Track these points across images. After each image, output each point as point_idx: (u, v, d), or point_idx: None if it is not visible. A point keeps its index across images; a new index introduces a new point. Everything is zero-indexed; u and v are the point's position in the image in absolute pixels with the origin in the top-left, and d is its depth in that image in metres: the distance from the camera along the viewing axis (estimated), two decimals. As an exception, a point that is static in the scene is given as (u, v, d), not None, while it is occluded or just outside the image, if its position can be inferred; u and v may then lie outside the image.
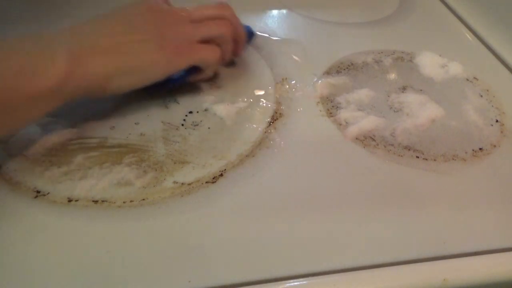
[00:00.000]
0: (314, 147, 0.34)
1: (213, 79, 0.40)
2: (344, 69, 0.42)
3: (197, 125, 0.35)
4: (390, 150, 0.34)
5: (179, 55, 0.33)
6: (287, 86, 0.40)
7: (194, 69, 0.36)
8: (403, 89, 0.40)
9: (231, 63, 0.41)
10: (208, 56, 0.35)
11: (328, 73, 0.42)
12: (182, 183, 0.30)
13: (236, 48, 0.38)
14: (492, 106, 0.40)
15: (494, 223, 0.30)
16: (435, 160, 0.34)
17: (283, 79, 0.41)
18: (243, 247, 0.27)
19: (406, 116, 0.37)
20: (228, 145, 0.33)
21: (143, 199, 0.29)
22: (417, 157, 0.34)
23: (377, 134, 0.35)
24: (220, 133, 0.34)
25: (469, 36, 0.51)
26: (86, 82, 0.29)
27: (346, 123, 0.36)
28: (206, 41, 0.35)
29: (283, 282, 0.25)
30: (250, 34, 0.42)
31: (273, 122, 0.36)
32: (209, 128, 0.35)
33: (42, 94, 0.27)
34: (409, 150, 0.34)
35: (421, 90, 0.40)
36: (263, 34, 0.47)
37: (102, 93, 0.31)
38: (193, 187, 0.30)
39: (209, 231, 0.28)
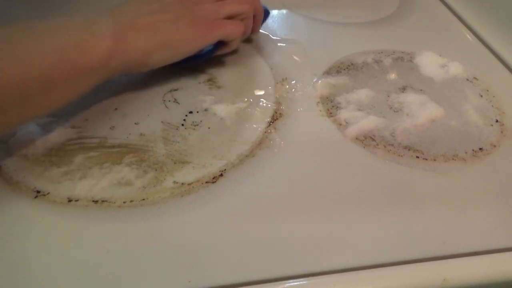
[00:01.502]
0: (314, 147, 0.34)
1: (213, 79, 0.40)
2: (344, 69, 0.42)
3: (197, 125, 0.35)
4: (390, 150, 0.34)
5: (208, 31, 0.36)
6: (287, 86, 0.40)
7: (220, 44, 0.39)
8: (403, 89, 0.40)
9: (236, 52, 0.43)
10: (233, 31, 0.38)
11: (328, 73, 0.42)
12: (182, 183, 0.30)
13: (255, 24, 0.42)
14: (492, 106, 0.40)
15: (494, 223, 0.30)
16: (435, 160, 0.34)
17: (283, 79, 0.41)
18: (243, 247, 0.27)
19: (406, 116, 0.37)
20: (228, 145, 0.33)
21: (143, 199, 0.29)
22: (417, 157, 0.34)
23: (377, 134, 0.35)
24: (220, 133, 0.34)
25: (469, 36, 0.51)
26: (129, 57, 0.32)
27: (346, 123, 0.36)
28: (230, 17, 0.38)
29: (283, 282, 0.25)
30: (266, 12, 0.44)
31: (273, 122, 0.36)
32: (209, 128, 0.35)
33: (92, 68, 0.30)
34: (409, 150, 0.34)
35: (421, 90, 0.40)
36: (264, 33, 0.47)
37: (143, 68, 0.34)
38: (193, 187, 0.30)
39: (209, 231, 0.28)
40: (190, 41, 0.35)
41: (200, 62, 0.40)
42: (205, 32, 0.36)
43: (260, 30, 0.47)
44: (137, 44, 0.32)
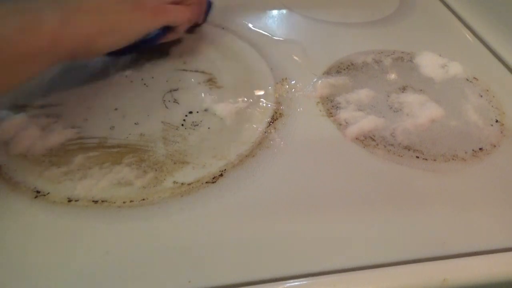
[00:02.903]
0: (314, 147, 0.34)
1: (213, 79, 0.40)
2: (344, 69, 0.42)
3: (197, 125, 0.35)
4: (390, 150, 0.34)
5: (154, 15, 0.36)
6: (287, 86, 0.40)
7: (166, 30, 0.39)
8: (403, 89, 0.40)
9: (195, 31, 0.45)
10: (179, 16, 0.38)
11: (328, 73, 0.42)
12: (182, 183, 0.30)
13: (199, 12, 0.43)
14: (492, 106, 0.39)
15: (494, 223, 0.30)
16: (435, 160, 0.34)
17: (283, 79, 0.41)
18: (243, 247, 0.27)
19: (406, 116, 0.37)
20: (228, 145, 0.33)
21: (143, 199, 0.29)
22: (417, 157, 0.34)
23: (377, 134, 0.35)
24: (220, 133, 0.34)
25: (469, 36, 0.51)
26: (75, 42, 0.31)
27: (346, 123, 0.36)
28: (175, 3, 0.38)
29: (283, 282, 0.25)
30: (209, 3, 0.45)
31: (273, 122, 0.36)
32: (209, 128, 0.35)
33: (36, 52, 0.29)
34: (409, 150, 0.34)
35: (421, 90, 0.40)
36: (264, 33, 0.47)
37: (89, 54, 0.34)
38: (193, 187, 0.30)
39: (209, 231, 0.28)
40: (135, 24, 0.35)
41: (147, 48, 0.40)
42: (151, 16, 0.36)
43: (260, 30, 0.47)
44: (82, 28, 0.32)
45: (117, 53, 0.37)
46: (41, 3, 0.31)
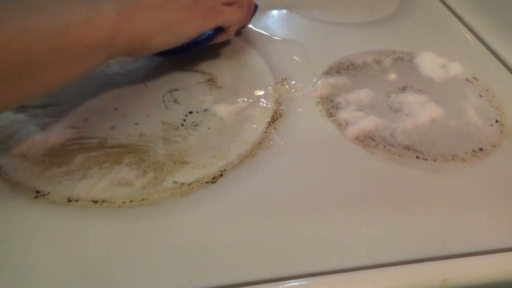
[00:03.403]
0: (314, 147, 0.34)
1: (213, 79, 0.40)
2: (344, 69, 0.42)
3: (197, 125, 0.35)
4: (390, 150, 0.34)
5: (209, 15, 0.37)
6: (287, 86, 0.40)
7: (218, 31, 0.39)
8: (403, 89, 0.40)
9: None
10: (232, 17, 0.39)
11: (328, 73, 0.42)
12: (182, 183, 0.30)
13: (247, 15, 0.43)
14: (492, 106, 0.40)
15: (494, 223, 0.30)
16: (435, 160, 0.34)
17: (283, 79, 0.41)
18: (243, 247, 0.27)
19: (406, 116, 0.37)
20: (228, 145, 0.33)
21: (143, 199, 0.29)
22: (417, 157, 0.34)
23: (377, 134, 0.35)
24: (220, 133, 0.34)
25: (469, 36, 0.51)
26: (133, 36, 0.32)
27: (346, 123, 0.36)
28: (227, 4, 0.39)
29: (283, 282, 0.25)
30: (256, 6, 0.45)
31: (273, 122, 0.36)
32: (209, 128, 0.35)
33: (96, 45, 0.30)
34: (409, 150, 0.34)
35: (421, 90, 0.40)
36: (264, 33, 0.47)
37: (145, 50, 0.34)
38: (193, 187, 0.30)
39: (209, 231, 0.28)
40: (192, 23, 0.35)
41: (199, 49, 0.40)
42: (207, 16, 0.36)
43: (260, 30, 0.47)
44: (140, 23, 0.32)
45: (168, 53, 0.37)
46: None
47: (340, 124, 0.36)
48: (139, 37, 0.32)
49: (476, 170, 0.33)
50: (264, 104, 0.37)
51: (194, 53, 0.41)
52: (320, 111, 0.37)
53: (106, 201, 0.29)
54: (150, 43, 0.33)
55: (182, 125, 0.35)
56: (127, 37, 0.31)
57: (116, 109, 0.35)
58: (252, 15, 0.45)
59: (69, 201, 0.28)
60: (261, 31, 0.47)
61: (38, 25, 0.27)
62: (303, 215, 0.29)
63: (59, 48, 0.28)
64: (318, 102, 0.38)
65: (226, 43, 0.43)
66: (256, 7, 0.45)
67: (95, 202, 0.29)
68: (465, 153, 0.34)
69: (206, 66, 0.41)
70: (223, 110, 0.36)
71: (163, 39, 0.34)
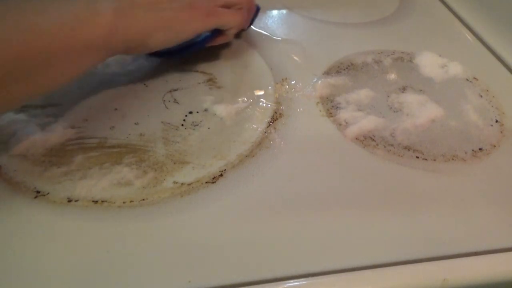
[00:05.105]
0: (314, 147, 0.34)
1: (213, 79, 0.40)
2: (344, 69, 0.42)
3: (197, 125, 0.35)
4: (390, 150, 0.34)
5: (207, 16, 0.36)
6: (287, 86, 0.40)
7: (215, 33, 0.39)
8: (403, 89, 0.40)
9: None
10: (231, 19, 0.39)
11: (328, 73, 0.42)
12: (182, 183, 0.30)
13: (247, 18, 0.42)
14: (492, 106, 0.40)
15: (494, 223, 0.30)
16: (435, 160, 0.34)
17: (283, 79, 0.41)
18: (243, 247, 0.27)
19: (406, 116, 0.37)
20: (228, 145, 0.33)
21: (143, 199, 0.29)
22: (417, 157, 0.34)
23: (377, 134, 0.35)
24: (220, 133, 0.34)
25: (469, 36, 0.51)
26: (130, 34, 0.32)
27: (346, 123, 0.36)
28: (226, 7, 0.39)
29: (283, 282, 0.25)
30: (257, 8, 0.45)
31: (273, 122, 0.36)
32: (209, 128, 0.35)
33: (93, 44, 0.30)
34: (409, 150, 0.34)
35: (421, 90, 0.40)
36: (264, 33, 0.47)
37: (142, 49, 0.34)
38: (193, 187, 0.30)
39: (209, 231, 0.28)
40: (190, 23, 0.35)
41: (196, 50, 0.40)
42: (205, 17, 0.36)
43: (260, 30, 0.47)
44: (138, 21, 0.32)
45: (164, 54, 0.37)
46: None
47: (340, 124, 0.36)
48: (137, 35, 0.32)
49: (476, 170, 0.33)
50: (264, 104, 0.37)
51: (194, 53, 0.41)
52: (320, 111, 0.37)
53: (106, 201, 0.29)
54: (148, 42, 0.33)
55: (182, 125, 0.35)
56: (124, 35, 0.31)
57: (116, 109, 0.35)
58: (254, 18, 0.44)
59: (69, 201, 0.28)
60: (261, 31, 0.47)
61: (34, 24, 0.27)
62: (303, 215, 0.29)
63: (57, 46, 0.28)
64: (318, 102, 0.38)
65: (226, 43, 0.43)
66: (257, 10, 0.45)
67: (95, 202, 0.29)
68: (465, 153, 0.34)
69: (206, 66, 0.41)
70: (223, 110, 0.36)
71: (160, 37, 0.34)
